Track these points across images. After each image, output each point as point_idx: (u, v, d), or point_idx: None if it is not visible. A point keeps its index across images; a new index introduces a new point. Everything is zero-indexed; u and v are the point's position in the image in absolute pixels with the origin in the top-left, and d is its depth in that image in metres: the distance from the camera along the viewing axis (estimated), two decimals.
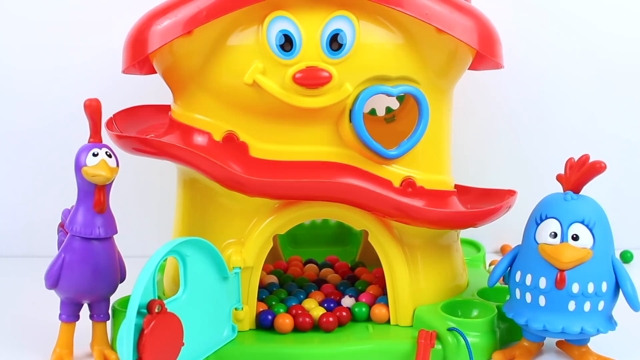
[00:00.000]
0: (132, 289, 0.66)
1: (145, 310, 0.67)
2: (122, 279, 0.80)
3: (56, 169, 1.12)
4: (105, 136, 0.80)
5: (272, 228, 0.80)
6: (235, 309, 0.79)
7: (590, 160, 0.75)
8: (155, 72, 0.85)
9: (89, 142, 0.77)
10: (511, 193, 0.86)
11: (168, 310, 0.68)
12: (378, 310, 0.83)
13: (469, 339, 0.77)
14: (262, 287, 0.89)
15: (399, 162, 0.80)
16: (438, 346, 0.78)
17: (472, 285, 0.90)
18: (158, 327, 0.67)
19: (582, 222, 0.75)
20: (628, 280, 0.75)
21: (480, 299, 0.85)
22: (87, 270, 0.76)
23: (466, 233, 0.95)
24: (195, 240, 0.73)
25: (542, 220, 0.76)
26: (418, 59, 0.78)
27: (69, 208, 0.79)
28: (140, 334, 0.66)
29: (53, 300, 0.80)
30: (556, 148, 1.15)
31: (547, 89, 1.15)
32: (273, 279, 0.94)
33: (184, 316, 0.70)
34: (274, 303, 0.85)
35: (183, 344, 0.70)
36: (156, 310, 0.67)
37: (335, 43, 0.75)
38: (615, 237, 0.76)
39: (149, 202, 1.15)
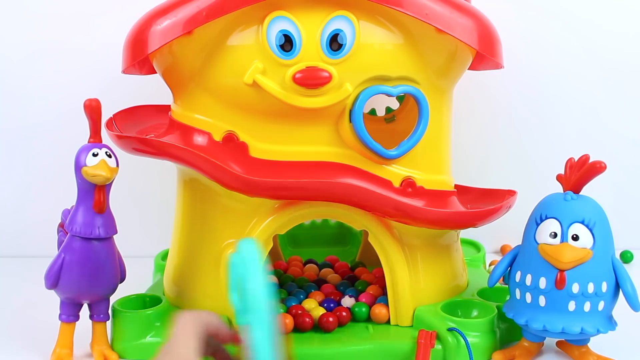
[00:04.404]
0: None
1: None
2: (122, 279, 0.80)
3: (56, 169, 1.12)
4: (105, 136, 0.80)
5: (272, 228, 0.80)
6: None
7: (590, 160, 0.75)
8: (155, 72, 0.85)
9: (88, 142, 0.77)
10: (511, 193, 0.86)
11: None
12: (378, 310, 0.83)
13: (469, 339, 0.77)
14: None
15: (399, 162, 0.80)
16: (438, 346, 0.78)
17: (472, 285, 0.90)
18: None
19: (582, 222, 0.74)
20: (628, 280, 0.75)
21: (480, 299, 0.85)
22: (87, 270, 0.76)
23: (466, 233, 0.95)
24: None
25: (542, 220, 0.76)
26: (418, 59, 0.78)
27: (69, 208, 0.79)
28: None
29: (53, 300, 0.80)
30: (556, 148, 1.15)
31: (546, 89, 1.15)
32: (273, 279, 0.93)
33: None
34: None
35: None
36: None
37: (335, 43, 0.75)
38: (615, 237, 0.76)
39: (149, 202, 1.15)
